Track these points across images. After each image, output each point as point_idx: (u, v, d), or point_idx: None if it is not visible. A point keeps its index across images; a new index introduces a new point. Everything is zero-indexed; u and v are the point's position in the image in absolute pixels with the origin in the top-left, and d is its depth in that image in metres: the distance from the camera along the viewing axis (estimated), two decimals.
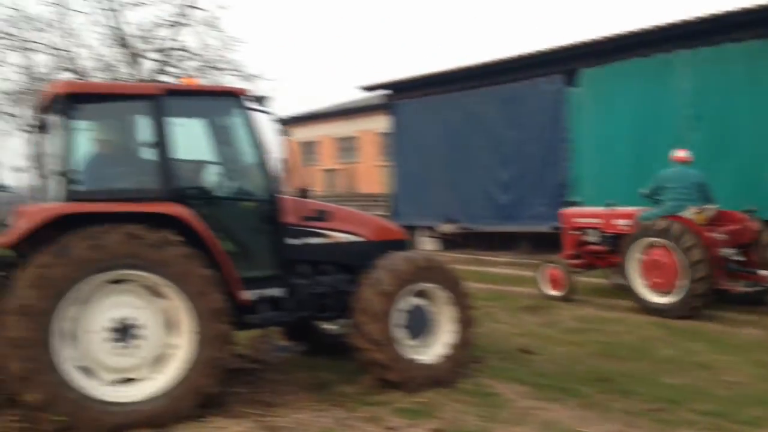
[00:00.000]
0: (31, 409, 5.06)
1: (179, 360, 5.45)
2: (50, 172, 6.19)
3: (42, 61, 22.31)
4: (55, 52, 21.02)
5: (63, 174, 5.53)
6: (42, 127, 6.45)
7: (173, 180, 5.76)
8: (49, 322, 5.02)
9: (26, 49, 21.77)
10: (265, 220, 6.24)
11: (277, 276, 6.28)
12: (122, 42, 19.57)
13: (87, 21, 20.32)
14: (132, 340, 5.37)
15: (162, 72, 20.14)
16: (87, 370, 5.26)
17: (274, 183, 6.27)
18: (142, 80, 19.23)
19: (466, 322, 6.63)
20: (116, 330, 5.33)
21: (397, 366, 6.16)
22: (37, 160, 6.67)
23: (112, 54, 20.54)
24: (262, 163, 6.24)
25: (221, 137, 6.45)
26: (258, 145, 6.22)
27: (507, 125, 16.84)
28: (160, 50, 20.08)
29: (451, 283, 6.60)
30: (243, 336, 7.15)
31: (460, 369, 6.60)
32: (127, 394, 5.33)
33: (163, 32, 19.95)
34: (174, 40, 19.93)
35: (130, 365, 5.40)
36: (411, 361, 6.28)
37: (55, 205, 5.52)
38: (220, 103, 6.42)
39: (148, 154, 5.85)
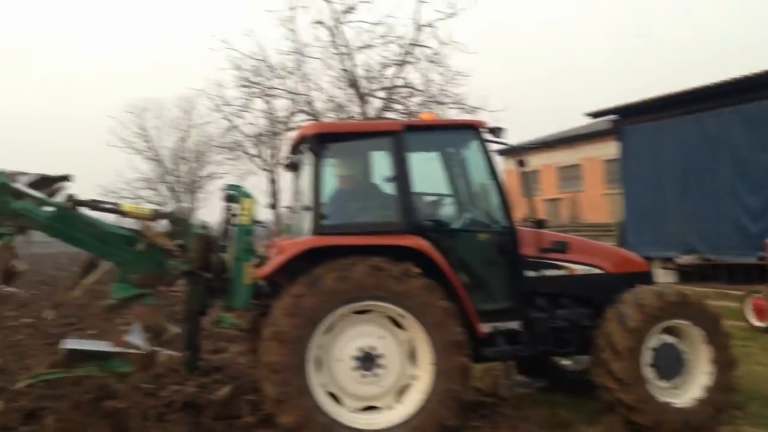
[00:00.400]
0: (286, 431, 5.36)
1: (418, 391, 5.53)
2: (300, 207, 6.64)
3: (281, 105, 24.46)
4: (292, 96, 22.85)
5: (312, 209, 5.89)
6: (292, 166, 6.94)
7: (413, 213, 5.90)
8: (302, 348, 5.35)
9: (268, 95, 23.99)
10: (502, 251, 6.19)
11: (514, 309, 6.19)
12: (352, 83, 20.72)
13: (321, 66, 21.76)
14: (375, 369, 5.56)
15: (388, 109, 21.01)
16: (334, 397, 5.52)
17: (511, 214, 6.21)
18: (369, 118, 20.20)
19: (725, 364, 6.03)
20: (361, 359, 5.55)
21: (647, 408, 5.74)
22: (291, 196, 7.17)
23: (343, 95, 21.85)
24: (499, 195, 6.22)
25: (458, 169, 6.53)
26: (495, 177, 6.21)
27: (756, 148, 15.23)
28: (386, 88, 20.97)
29: (706, 320, 6.05)
30: (478, 369, 7.08)
31: (719, 415, 6.01)
32: (370, 421, 5.51)
33: (389, 71, 20.84)
34: (399, 78, 20.73)
35: (373, 394, 5.58)
36: (663, 404, 5.81)
37: (305, 239, 5.87)
38: (458, 136, 6.53)
39: (389, 189, 6.06)
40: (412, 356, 5.63)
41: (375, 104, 21.12)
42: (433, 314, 5.48)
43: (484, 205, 6.50)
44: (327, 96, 22.29)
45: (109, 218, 6.23)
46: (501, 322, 6.09)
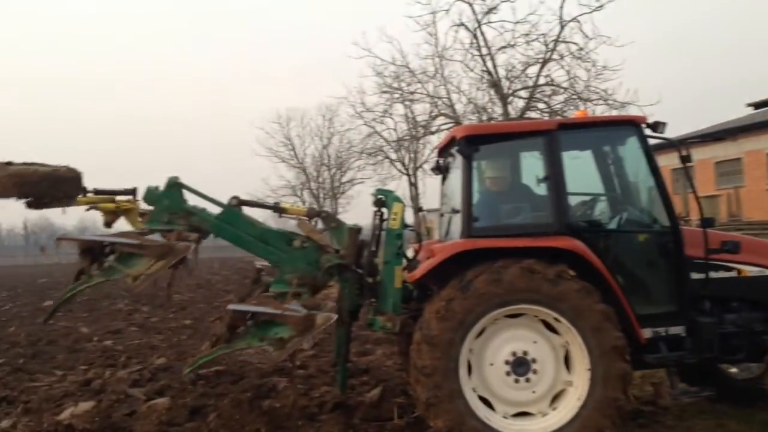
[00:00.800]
0: None
1: (573, 397, 5.32)
2: (448, 210, 6.56)
3: (421, 110, 24.62)
4: (433, 99, 22.93)
5: (462, 212, 5.80)
6: (439, 169, 6.89)
7: (567, 214, 5.70)
8: (454, 352, 5.27)
9: (409, 100, 24.23)
10: (664, 252, 5.85)
11: (677, 313, 5.82)
12: (493, 84, 20.48)
13: (461, 68, 21.69)
14: (528, 374, 5.41)
15: (530, 108, 20.58)
16: (486, 401, 5.41)
17: (674, 213, 5.86)
18: (511, 119, 19.85)
19: None
20: (513, 363, 5.42)
21: None
22: (438, 199, 7.13)
23: (484, 96, 21.65)
24: (660, 193, 5.87)
25: (615, 167, 6.22)
26: (656, 174, 5.88)
27: None
28: (528, 87, 20.54)
29: None
30: (636, 375, 6.75)
31: None
32: (523, 428, 5.36)
33: (532, 70, 20.41)
34: (542, 76, 20.23)
35: (526, 399, 5.42)
36: None
37: (456, 243, 5.77)
38: (617, 132, 6.24)
39: (542, 189, 5.87)
40: (567, 361, 5.44)
41: (517, 104, 20.76)
42: (589, 318, 5.26)
43: (643, 204, 6.19)
44: (467, 98, 22.21)
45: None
46: (663, 327, 5.76)
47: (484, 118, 21.45)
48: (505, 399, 5.44)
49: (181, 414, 6.42)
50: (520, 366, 5.42)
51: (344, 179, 47.78)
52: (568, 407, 5.32)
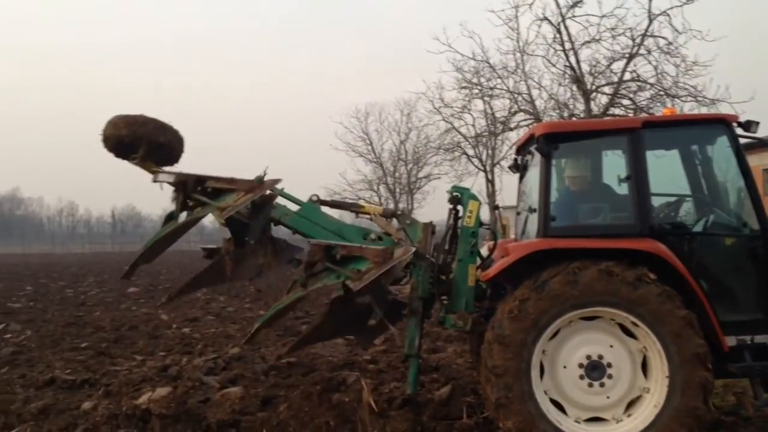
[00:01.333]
0: None
1: (650, 404, 5.15)
2: (525, 209, 6.42)
3: (500, 106, 24.25)
4: (513, 95, 22.54)
5: (539, 211, 5.66)
6: (517, 167, 6.75)
7: (649, 215, 5.48)
8: (526, 353, 5.16)
9: (488, 95, 23.91)
10: (753, 257, 5.54)
11: (765, 321, 5.51)
12: (576, 79, 19.95)
13: (543, 63, 21.22)
14: (602, 378, 5.25)
15: (614, 105, 19.94)
16: (557, 405, 5.28)
17: (765, 216, 5.54)
18: (594, 116, 19.31)
19: None
20: (588, 367, 5.26)
21: None
22: (517, 197, 6.99)
23: (566, 92, 21.14)
24: (750, 195, 5.59)
25: (703, 168, 5.95)
26: (746, 175, 5.60)
27: None
28: (612, 83, 19.92)
29: None
30: (718, 384, 6.48)
31: None
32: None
33: (617, 65, 19.77)
34: (628, 71, 19.57)
35: (600, 405, 5.27)
36: None
37: (532, 242, 5.65)
38: (705, 131, 5.97)
39: (622, 189, 5.67)
40: (643, 368, 5.25)
41: (600, 101, 20.15)
42: (669, 324, 5.06)
43: (731, 207, 5.92)
44: (548, 94, 21.74)
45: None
46: (749, 336, 5.46)
47: (565, 114, 20.91)
48: (577, 403, 5.29)
49: (253, 404, 6.53)
50: (595, 370, 5.26)
51: (421, 174, 47.58)
52: (644, 414, 5.16)
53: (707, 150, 6.00)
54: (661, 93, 19.14)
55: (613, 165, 5.92)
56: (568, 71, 20.21)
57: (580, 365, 5.27)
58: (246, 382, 7.19)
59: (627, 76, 19.65)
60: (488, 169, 32.44)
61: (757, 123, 5.65)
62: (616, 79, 19.82)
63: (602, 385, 5.25)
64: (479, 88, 23.38)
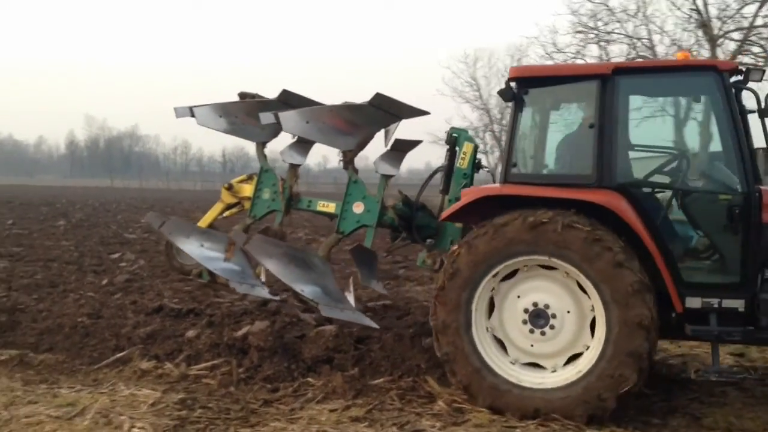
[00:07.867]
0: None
1: (587, 362, 5.09)
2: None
3: (618, 51, 23.06)
4: (632, 40, 21.42)
5: (503, 157, 5.65)
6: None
7: (613, 167, 5.20)
8: (476, 289, 5.27)
9: (605, 40, 22.77)
10: (734, 217, 5.10)
11: (737, 284, 5.16)
12: (702, 24, 18.70)
13: (666, 6, 19.99)
14: (544, 328, 5.24)
15: (743, 52, 18.60)
16: (501, 344, 5.38)
17: (750, 174, 5.08)
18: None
19: None
20: (531, 313, 5.27)
21: None
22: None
23: (689, 38, 19.90)
24: (736, 151, 5.11)
25: (687, 120, 5.54)
26: (735, 129, 5.11)
27: None
28: (742, 29, 18.53)
29: None
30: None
31: None
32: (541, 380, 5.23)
33: (748, 9, 18.35)
34: (759, 16, 18.15)
35: (538, 351, 5.29)
36: None
37: (485, 187, 5.74)
38: (691, 80, 5.53)
39: (589, 139, 5.33)
40: (589, 326, 5.17)
41: (728, 47, 18.84)
42: (616, 289, 4.90)
43: (714, 165, 5.50)
44: (671, 39, 20.52)
45: None
46: (717, 299, 5.14)
47: None
48: (518, 346, 5.33)
49: (347, 342, 6.60)
50: (539, 317, 5.24)
51: None
52: (576, 370, 5.11)
53: (693, 101, 5.73)
54: None
55: (587, 113, 5.64)
56: (694, 14, 19.01)
57: (525, 310, 5.25)
58: (341, 321, 7.28)
59: (759, 21, 18.27)
60: None
61: (762, 71, 5.14)
62: (746, 24, 18.50)
63: (543, 333, 5.22)
64: (595, 32, 22.35)
